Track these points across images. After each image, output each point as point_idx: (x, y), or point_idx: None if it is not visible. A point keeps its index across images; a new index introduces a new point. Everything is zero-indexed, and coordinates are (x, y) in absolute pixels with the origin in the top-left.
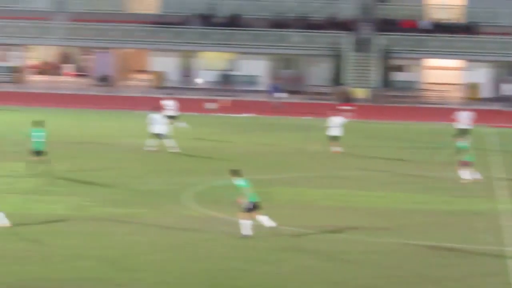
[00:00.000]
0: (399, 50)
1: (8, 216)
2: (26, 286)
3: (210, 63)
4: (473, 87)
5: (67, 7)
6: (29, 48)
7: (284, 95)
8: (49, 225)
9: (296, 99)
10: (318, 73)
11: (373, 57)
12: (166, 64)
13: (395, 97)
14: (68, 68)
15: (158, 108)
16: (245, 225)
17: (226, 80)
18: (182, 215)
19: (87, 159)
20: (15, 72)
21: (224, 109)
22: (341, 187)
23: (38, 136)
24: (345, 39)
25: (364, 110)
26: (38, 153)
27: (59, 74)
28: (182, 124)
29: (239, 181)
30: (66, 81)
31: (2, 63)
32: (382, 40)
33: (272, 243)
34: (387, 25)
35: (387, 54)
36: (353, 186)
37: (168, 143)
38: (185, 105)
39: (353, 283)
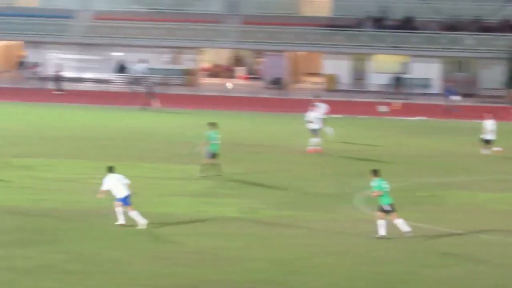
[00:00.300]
0: None
1: (180, 217)
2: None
3: (382, 66)
4: None
5: (239, 9)
6: (202, 51)
7: (458, 98)
8: (219, 227)
9: (468, 102)
10: (492, 76)
11: None
12: (338, 66)
13: None
14: (240, 71)
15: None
16: (380, 225)
17: (398, 83)
18: (353, 218)
19: (258, 162)
20: (188, 74)
21: (395, 112)
22: None
23: (214, 139)
24: None
25: None
26: (214, 155)
27: (231, 77)
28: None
29: (375, 182)
30: (238, 84)
31: (175, 66)
32: None
33: (443, 247)
34: None
35: None
36: None
37: (314, 142)
38: (357, 108)
39: None
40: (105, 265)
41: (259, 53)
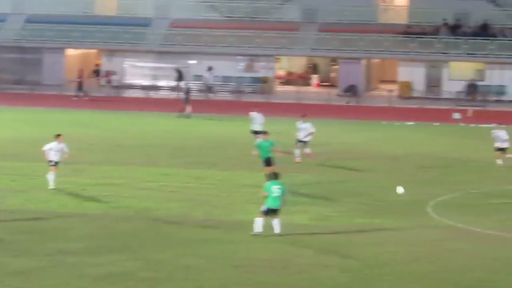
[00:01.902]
0: None
1: (251, 224)
2: None
3: (457, 73)
4: None
5: (316, 17)
6: (277, 59)
7: None
8: (290, 234)
9: None
10: None
11: None
12: (413, 74)
13: None
14: (316, 78)
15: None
16: (257, 222)
17: (473, 90)
18: (424, 225)
19: (330, 169)
20: (263, 82)
21: (469, 119)
22: None
23: (266, 147)
24: None
25: None
26: (268, 162)
27: (307, 85)
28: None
29: (267, 184)
30: (314, 91)
31: (251, 74)
32: None
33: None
34: None
35: None
36: None
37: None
38: (431, 115)
39: None
40: (175, 273)
41: (334, 60)
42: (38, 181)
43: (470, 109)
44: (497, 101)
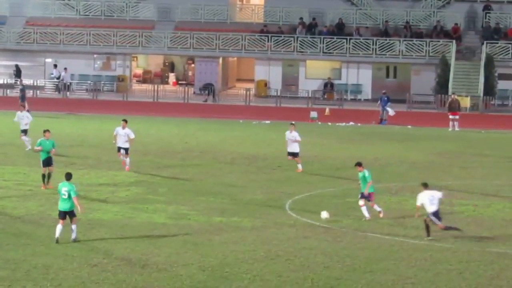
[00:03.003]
0: (504, 58)
1: (109, 223)
2: None
3: (314, 72)
4: None
5: (171, 16)
6: (134, 57)
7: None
8: (148, 233)
9: (400, 108)
10: (422, 81)
11: (478, 65)
12: (269, 72)
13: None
14: (173, 76)
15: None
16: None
17: (330, 89)
18: (281, 224)
19: (187, 168)
20: (120, 81)
21: (326, 118)
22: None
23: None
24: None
25: (468, 118)
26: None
27: (164, 83)
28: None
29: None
30: (171, 90)
31: (108, 72)
32: (487, 48)
33: (370, 252)
34: (492, 34)
35: (491, 63)
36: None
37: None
38: (288, 114)
39: None
40: (33, 272)
41: (191, 59)
42: None
43: (327, 108)
44: (353, 99)
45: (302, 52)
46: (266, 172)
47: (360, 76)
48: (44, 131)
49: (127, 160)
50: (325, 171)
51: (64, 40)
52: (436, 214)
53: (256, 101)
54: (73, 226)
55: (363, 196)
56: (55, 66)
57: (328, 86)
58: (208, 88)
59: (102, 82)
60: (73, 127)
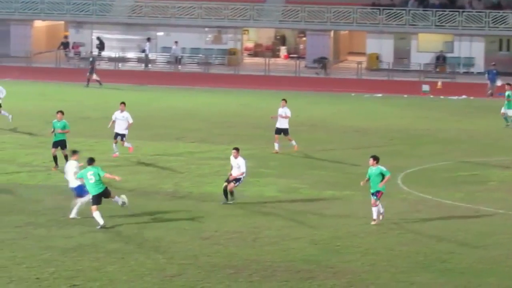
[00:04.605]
0: None
1: (220, 197)
2: (238, 266)
3: (426, 44)
4: None
5: None
6: (245, 31)
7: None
8: (259, 207)
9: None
10: None
11: None
12: (381, 46)
13: None
14: (284, 50)
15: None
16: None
17: (442, 62)
18: (393, 198)
19: (299, 141)
20: (231, 54)
21: (438, 91)
22: None
23: None
24: None
25: None
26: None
27: (275, 56)
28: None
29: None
30: (282, 63)
31: (219, 46)
32: None
33: (482, 226)
34: None
35: None
36: None
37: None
38: (400, 87)
39: None
40: (145, 244)
41: (302, 32)
42: (6, 153)
43: (439, 81)
44: (465, 73)
45: (414, 25)
46: (378, 146)
47: (473, 49)
48: (57, 112)
49: (128, 144)
50: (436, 145)
51: (175, 13)
52: None
53: (367, 74)
54: (116, 198)
55: (376, 194)
56: (149, 39)
57: (440, 59)
58: (320, 62)
59: (213, 56)
60: (184, 101)
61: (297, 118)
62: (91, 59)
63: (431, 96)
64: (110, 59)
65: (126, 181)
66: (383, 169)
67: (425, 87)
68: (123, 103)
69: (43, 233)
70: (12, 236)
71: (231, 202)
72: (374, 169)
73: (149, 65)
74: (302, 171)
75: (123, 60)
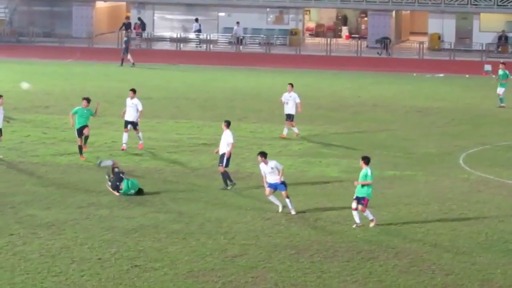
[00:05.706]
0: None
1: (284, 176)
2: (299, 247)
3: (488, 24)
4: None
5: None
6: (307, 11)
7: None
8: (321, 187)
9: None
10: None
11: None
12: (443, 25)
13: None
14: (345, 30)
15: None
16: None
17: (504, 42)
18: (455, 178)
19: (361, 122)
20: (293, 34)
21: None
22: None
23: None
24: None
25: None
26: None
27: (337, 37)
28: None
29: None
30: (343, 43)
31: (280, 26)
32: None
33: None
34: None
35: None
36: None
37: None
38: (462, 67)
39: None
40: (207, 225)
41: (364, 12)
42: (69, 134)
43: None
44: None
45: (476, 4)
46: (440, 126)
47: None
48: (83, 99)
49: (140, 135)
50: (499, 125)
51: None
52: None
53: (429, 54)
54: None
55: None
56: (197, 20)
57: (503, 39)
58: (382, 42)
59: (275, 36)
60: (247, 81)
61: (359, 98)
62: (125, 39)
63: (493, 76)
64: (172, 40)
65: (188, 162)
66: (368, 172)
67: (487, 67)
68: (132, 89)
69: (105, 213)
70: (75, 216)
71: (229, 187)
72: (362, 170)
73: (202, 45)
74: (364, 150)
75: (185, 40)
